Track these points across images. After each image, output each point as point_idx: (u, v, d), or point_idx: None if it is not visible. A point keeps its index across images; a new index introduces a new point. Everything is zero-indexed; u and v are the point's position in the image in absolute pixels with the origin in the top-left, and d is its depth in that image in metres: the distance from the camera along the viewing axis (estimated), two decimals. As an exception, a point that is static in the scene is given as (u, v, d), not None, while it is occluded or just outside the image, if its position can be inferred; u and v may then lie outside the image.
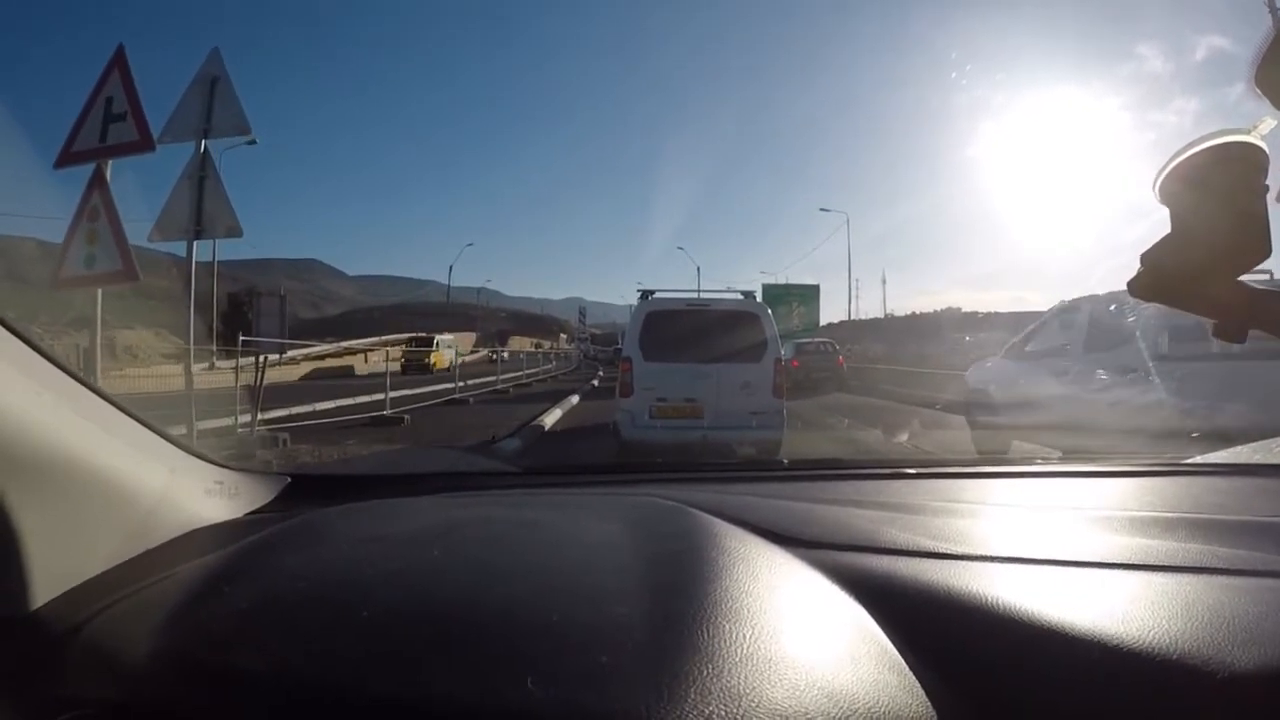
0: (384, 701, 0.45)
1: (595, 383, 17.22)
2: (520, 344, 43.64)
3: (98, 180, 3.85)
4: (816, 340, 18.92)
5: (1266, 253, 0.56)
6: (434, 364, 23.63)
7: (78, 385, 0.68)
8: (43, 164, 4.08)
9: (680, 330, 5.45)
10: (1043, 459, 1.51)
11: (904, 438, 6.92)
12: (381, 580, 0.59)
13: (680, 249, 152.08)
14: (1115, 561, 0.63)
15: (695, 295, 5.94)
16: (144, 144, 3.91)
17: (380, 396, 9.37)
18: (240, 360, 7.28)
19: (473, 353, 33.22)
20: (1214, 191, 0.56)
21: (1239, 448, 1.34)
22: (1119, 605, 0.52)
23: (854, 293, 56.42)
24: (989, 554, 0.64)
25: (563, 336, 62.49)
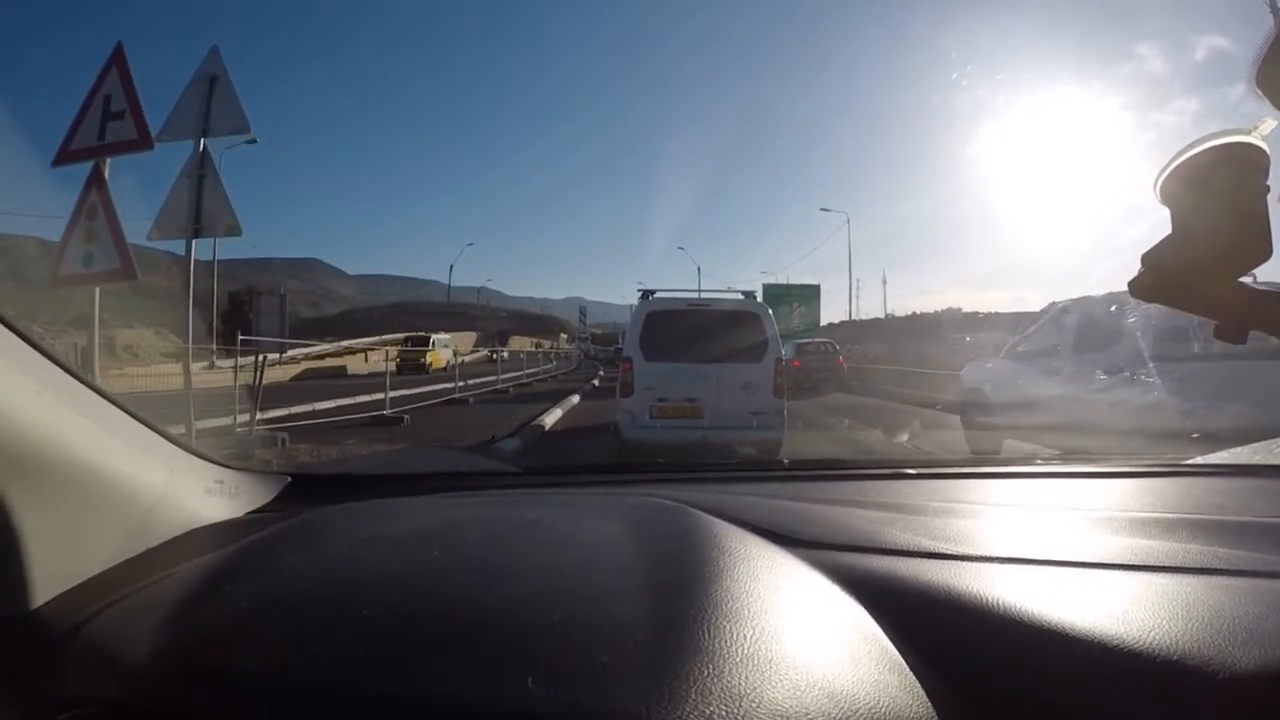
0: (384, 701, 0.45)
1: (595, 382, 17.22)
2: (521, 344, 43.62)
3: (96, 178, 3.84)
4: (817, 340, 18.92)
5: (1267, 253, 0.56)
6: (430, 364, 23.07)
7: (78, 384, 0.68)
8: (43, 163, 4.09)
9: (681, 330, 5.45)
10: (1042, 459, 1.51)
11: (904, 438, 6.92)
12: (382, 580, 0.59)
13: (681, 249, 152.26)
14: (1115, 562, 0.63)
15: (696, 295, 5.94)
16: (142, 142, 3.90)
17: (380, 396, 9.37)
18: (240, 359, 7.29)
19: (473, 352, 33.12)
20: (1215, 192, 0.56)
21: (1239, 448, 1.34)
22: (1119, 606, 0.52)
23: (854, 293, 56.38)
24: (989, 554, 0.64)
25: (563, 336, 62.45)
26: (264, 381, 6.62)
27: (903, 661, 0.49)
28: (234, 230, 4.90)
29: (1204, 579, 0.58)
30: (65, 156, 3.90)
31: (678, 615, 0.50)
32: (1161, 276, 0.60)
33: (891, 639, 0.51)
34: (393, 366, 11.93)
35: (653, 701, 0.42)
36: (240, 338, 7.61)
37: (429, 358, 23.73)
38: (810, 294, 31.35)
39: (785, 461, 2.45)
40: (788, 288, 31.46)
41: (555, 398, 12.10)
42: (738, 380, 5.35)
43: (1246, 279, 0.58)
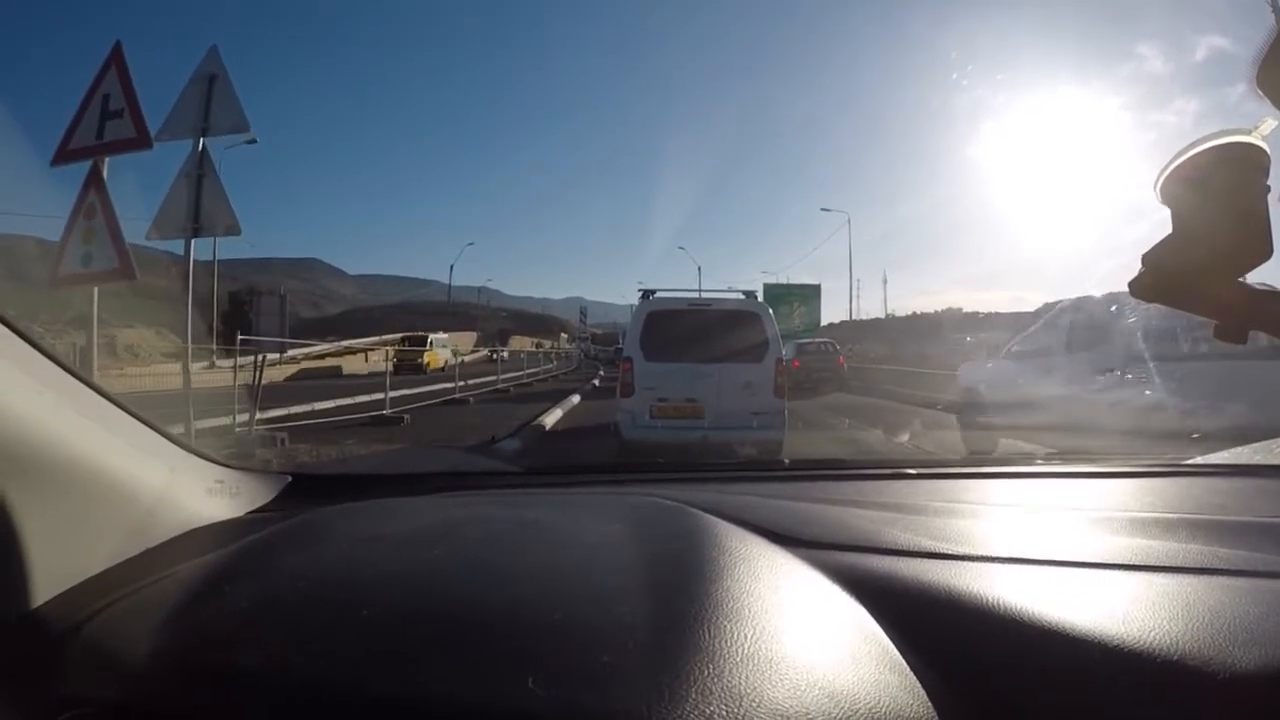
0: (384, 701, 0.45)
1: (596, 382, 17.22)
2: (521, 343, 43.61)
3: (94, 178, 3.83)
4: (817, 340, 18.91)
5: (1268, 253, 0.56)
6: (428, 364, 22.52)
7: (79, 384, 0.68)
8: (43, 163, 4.08)
9: (681, 330, 5.45)
10: (1043, 459, 1.51)
11: (905, 438, 6.92)
12: (382, 580, 0.59)
13: (681, 248, 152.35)
14: (1116, 562, 0.63)
15: (696, 295, 5.94)
16: (141, 141, 3.89)
17: (380, 396, 9.37)
18: (240, 359, 7.29)
19: (473, 352, 33.04)
20: (1215, 192, 0.56)
21: (1239, 448, 1.34)
22: (1120, 606, 0.52)
23: (855, 292, 56.36)
24: (990, 554, 0.64)
25: (563, 336, 62.45)
26: (261, 382, 6.63)
27: (903, 661, 0.49)
28: (233, 230, 4.89)
29: (1204, 579, 0.58)
30: (64, 156, 3.89)
31: (678, 615, 0.50)
32: (1162, 276, 0.60)
33: (892, 639, 0.51)
34: (390, 367, 11.87)
35: (653, 701, 0.41)
36: (240, 338, 7.61)
37: (426, 358, 23.25)
38: (811, 294, 31.35)
39: (786, 461, 2.45)
40: (788, 287, 31.45)
41: (556, 398, 12.10)
42: (738, 380, 5.34)
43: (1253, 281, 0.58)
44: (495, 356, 20.25)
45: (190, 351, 5.33)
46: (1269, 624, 0.49)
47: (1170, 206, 0.58)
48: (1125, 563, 0.63)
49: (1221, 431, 2.64)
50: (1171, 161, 0.57)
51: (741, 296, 6.10)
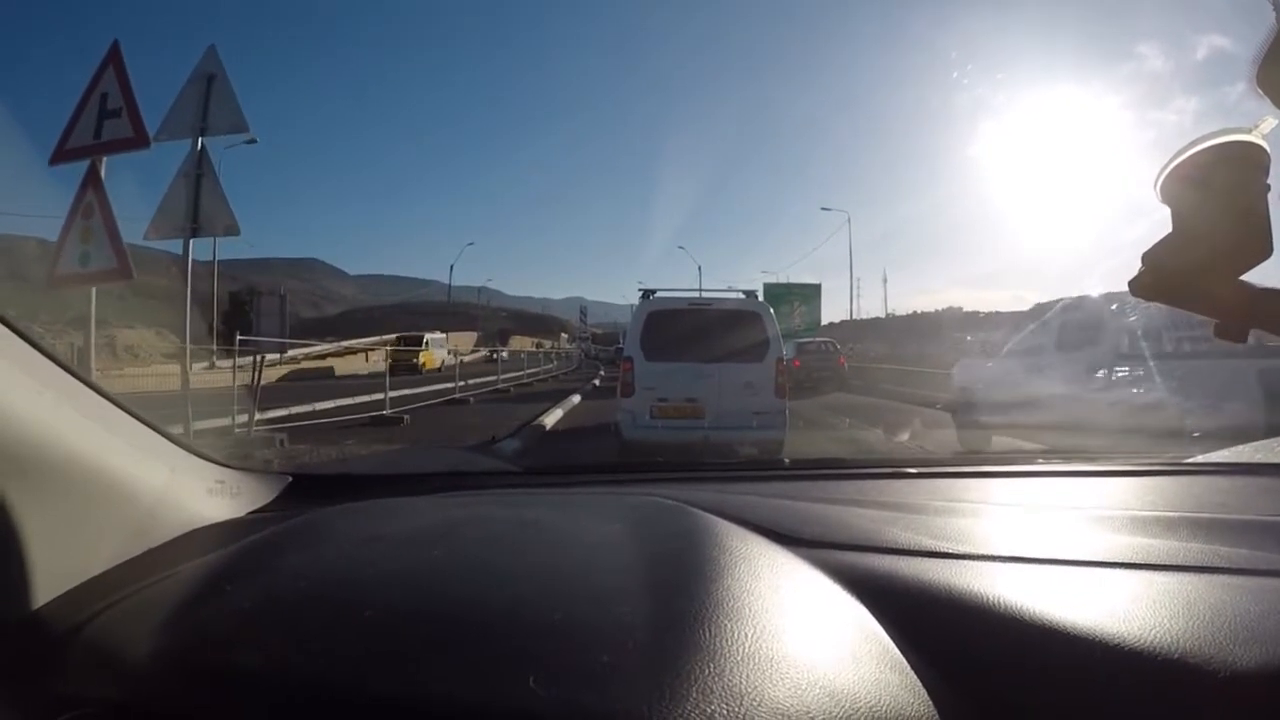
0: (384, 701, 0.45)
1: (596, 382, 17.23)
2: (521, 343, 43.64)
3: (92, 177, 3.82)
4: (818, 340, 18.91)
5: (1268, 252, 0.56)
6: (423, 364, 22.07)
7: (79, 384, 0.68)
8: (42, 163, 4.07)
9: (682, 330, 5.44)
10: (1043, 459, 1.51)
11: (905, 437, 6.93)
12: (382, 580, 0.59)
13: (681, 248, 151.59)
14: (1117, 561, 0.63)
15: (697, 294, 5.93)
16: (139, 141, 3.88)
17: (379, 396, 9.37)
18: (239, 359, 7.29)
19: (473, 352, 32.97)
20: (1215, 191, 0.56)
21: (1240, 447, 1.34)
22: (1120, 604, 0.52)
23: (855, 292, 56.27)
24: (990, 553, 0.64)
25: (564, 336, 62.51)
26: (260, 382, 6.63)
27: (904, 660, 0.49)
28: (232, 230, 4.89)
29: (1205, 577, 0.58)
30: (61, 155, 3.89)
31: (678, 614, 0.50)
32: (1162, 275, 0.60)
33: (893, 638, 0.51)
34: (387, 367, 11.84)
35: (654, 701, 0.41)
36: (239, 338, 7.61)
37: (422, 358, 22.84)
38: (811, 293, 31.31)
39: (786, 461, 2.45)
40: (789, 287, 31.42)
41: (556, 398, 12.10)
42: (739, 380, 5.34)
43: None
44: (495, 357, 20.14)
45: (190, 352, 5.33)
46: (1270, 622, 0.49)
47: (1170, 205, 0.58)
48: (1126, 561, 0.63)
49: (1220, 430, 2.64)
50: (1171, 160, 0.57)
51: (742, 296, 6.09)
